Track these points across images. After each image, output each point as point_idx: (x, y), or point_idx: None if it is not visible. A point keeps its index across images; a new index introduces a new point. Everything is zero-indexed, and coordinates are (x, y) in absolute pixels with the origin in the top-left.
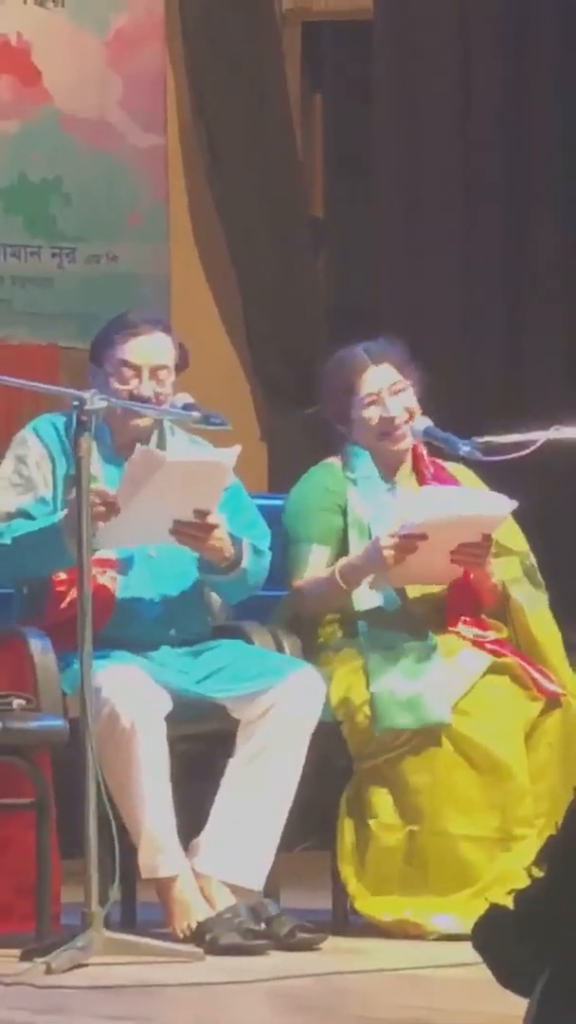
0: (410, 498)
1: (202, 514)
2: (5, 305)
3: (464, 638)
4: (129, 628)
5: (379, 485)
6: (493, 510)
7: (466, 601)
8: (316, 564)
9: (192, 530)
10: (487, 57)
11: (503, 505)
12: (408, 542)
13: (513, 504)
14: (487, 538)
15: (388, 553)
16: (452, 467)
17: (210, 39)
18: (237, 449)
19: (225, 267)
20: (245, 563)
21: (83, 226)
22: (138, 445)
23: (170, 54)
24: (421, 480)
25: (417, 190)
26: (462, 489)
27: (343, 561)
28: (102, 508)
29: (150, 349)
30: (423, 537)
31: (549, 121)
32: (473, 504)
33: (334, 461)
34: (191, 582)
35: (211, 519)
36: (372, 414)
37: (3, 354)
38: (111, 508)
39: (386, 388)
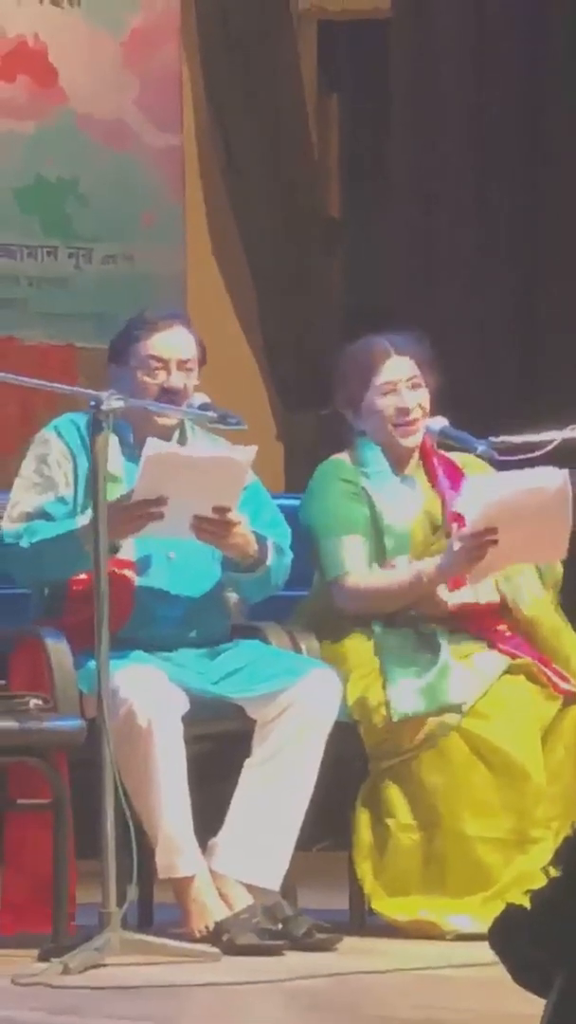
0: (465, 495)
1: (222, 510)
2: (21, 305)
3: (471, 616)
4: (148, 629)
5: (391, 478)
6: (549, 481)
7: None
8: (355, 555)
9: (212, 526)
10: (504, 56)
11: (557, 475)
12: (479, 539)
13: (564, 472)
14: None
15: (461, 553)
16: (462, 461)
17: (226, 39)
18: (253, 449)
19: (241, 267)
20: (270, 561)
21: (99, 226)
22: (148, 439)
23: (186, 54)
24: (430, 474)
25: (433, 190)
26: (510, 472)
27: (429, 563)
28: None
29: (175, 343)
30: (492, 531)
31: (567, 120)
32: (528, 480)
33: (342, 457)
34: (211, 583)
35: (231, 516)
36: (387, 403)
37: (20, 354)
38: (156, 514)
39: (404, 380)
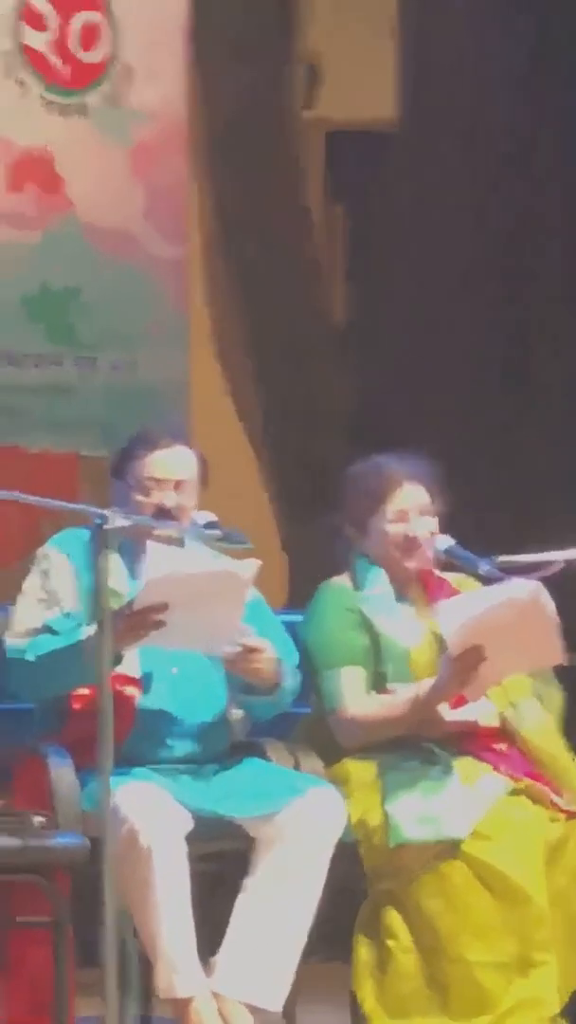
0: (442, 620)
1: (246, 645)
2: (26, 413)
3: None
4: (149, 746)
5: (392, 602)
6: (519, 593)
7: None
8: (355, 687)
9: (243, 660)
10: (510, 170)
11: (526, 586)
12: (465, 662)
13: (534, 583)
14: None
15: (451, 677)
16: (456, 581)
17: (232, 150)
18: (256, 563)
19: (245, 377)
20: (285, 683)
21: (103, 335)
22: (149, 543)
23: (193, 165)
24: (428, 595)
25: (438, 300)
26: (480, 590)
27: (425, 685)
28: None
29: (173, 463)
30: (478, 649)
31: (570, 228)
32: (498, 595)
33: (342, 581)
34: (214, 700)
35: (256, 642)
36: (398, 530)
37: (23, 462)
38: (157, 622)
39: (415, 507)
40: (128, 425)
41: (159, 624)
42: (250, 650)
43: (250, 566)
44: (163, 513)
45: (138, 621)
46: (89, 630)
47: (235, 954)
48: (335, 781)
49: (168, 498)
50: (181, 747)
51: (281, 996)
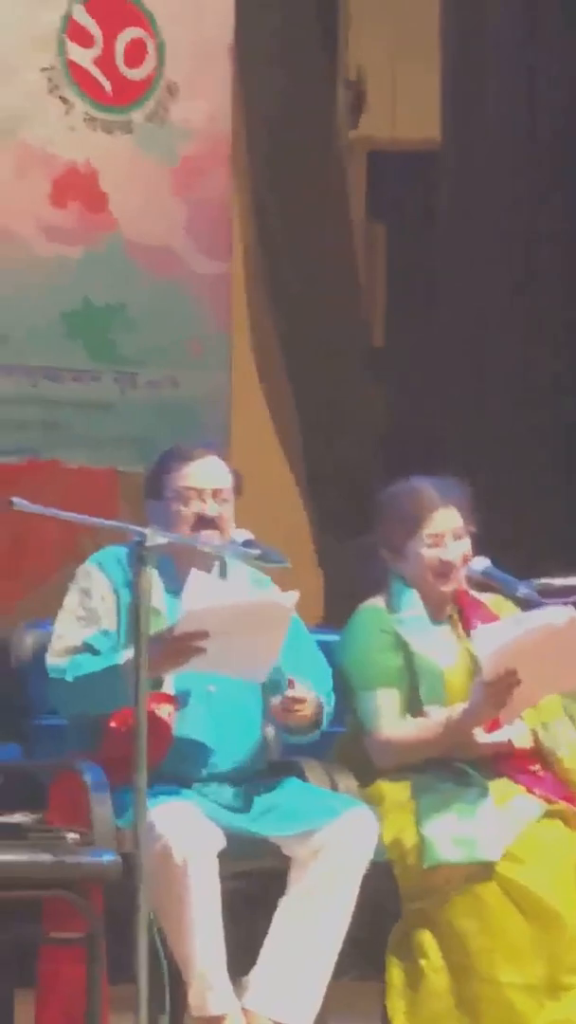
0: (476, 645)
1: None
2: (65, 428)
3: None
4: (185, 764)
5: (427, 623)
6: (555, 619)
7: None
8: (390, 709)
9: (287, 711)
10: (553, 191)
11: (562, 612)
12: (499, 686)
13: (570, 608)
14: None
15: (484, 701)
16: (492, 602)
17: (276, 168)
18: (296, 594)
19: (285, 395)
20: (323, 718)
21: (145, 352)
22: (192, 571)
23: (236, 182)
24: (464, 619)
25: (480, 322)
26: (517, 615)
27: (459, 709)
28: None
29: (208, 472)
30: (512, 673)
31: None
32: (534, 621)
33: (377, 603)
34: (250, 719)
35: (299, 693)
36: (433, 555)
37: (63, 478)
38: (197, 649)
39: (450, 531)
40: (167, 442)
41: (199, 651)
42: (294, 700)
43: (290, 597)
44: (204, 522)
45: (178, 648)
46: (128, 653)
47: (268, 972)
48: (369, 801)
49: (209, 507)
50: (218, 766)
51: (310, 1015)
